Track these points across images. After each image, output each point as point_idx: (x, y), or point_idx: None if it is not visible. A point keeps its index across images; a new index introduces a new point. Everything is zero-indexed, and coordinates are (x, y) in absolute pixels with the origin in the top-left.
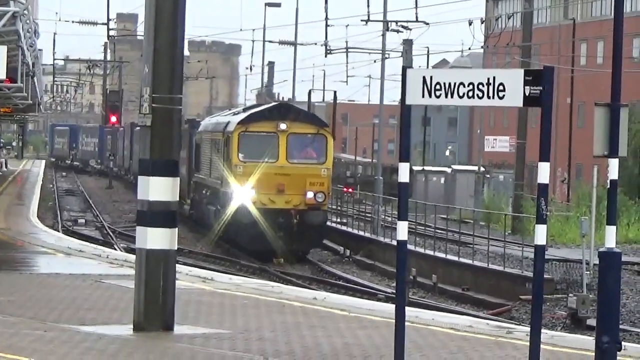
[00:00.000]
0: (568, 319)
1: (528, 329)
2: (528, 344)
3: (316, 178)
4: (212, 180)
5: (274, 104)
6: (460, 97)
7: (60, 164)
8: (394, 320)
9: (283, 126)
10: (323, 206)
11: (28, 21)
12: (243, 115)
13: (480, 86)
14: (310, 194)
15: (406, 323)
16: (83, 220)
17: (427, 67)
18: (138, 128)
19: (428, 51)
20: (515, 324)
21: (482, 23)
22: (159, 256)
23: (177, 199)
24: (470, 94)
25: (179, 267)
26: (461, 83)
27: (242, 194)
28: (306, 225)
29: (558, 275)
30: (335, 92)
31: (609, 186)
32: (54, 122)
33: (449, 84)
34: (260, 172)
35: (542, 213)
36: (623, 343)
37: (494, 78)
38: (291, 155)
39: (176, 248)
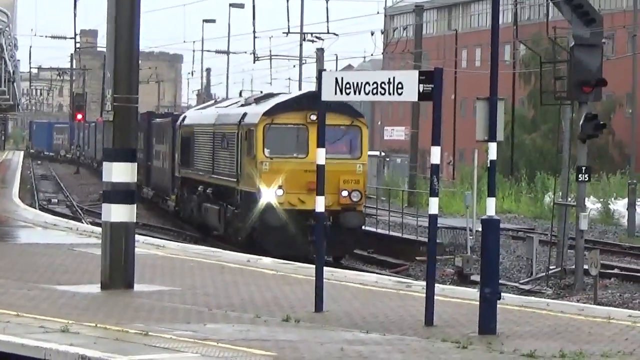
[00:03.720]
0: (455, 275)
1: (424, 283)
2: (424, 295)
3: (351, 175)
4: (218, 178)
5: (302, 92)
6: (367, 94)
7: (41, 155)
8: (314, 278)
9: (313, 117)
10: (359, 206)
11: (9, 36)
12: (267, 106)
13: (383, 85)
14: (345, 193)
15: (324, 280)
16: (56, 200)
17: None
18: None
19: (337, 58)
20: (413, 280)
21: (382, 34)
22: (120, 227)
23: (135, 180)
24: (375, 91)
25: (137, 237)
26: (367, 82)
27: (269, 194)
28: (341, 228)
29: (446, 240)
30: (261, 91)
31: (489, 165)
32: (31, 120)
33: (357, 83)
34: (288, 169)
35: (434, 188)
36: (501, 293)
37: (394, 78)
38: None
39: (135, 221)
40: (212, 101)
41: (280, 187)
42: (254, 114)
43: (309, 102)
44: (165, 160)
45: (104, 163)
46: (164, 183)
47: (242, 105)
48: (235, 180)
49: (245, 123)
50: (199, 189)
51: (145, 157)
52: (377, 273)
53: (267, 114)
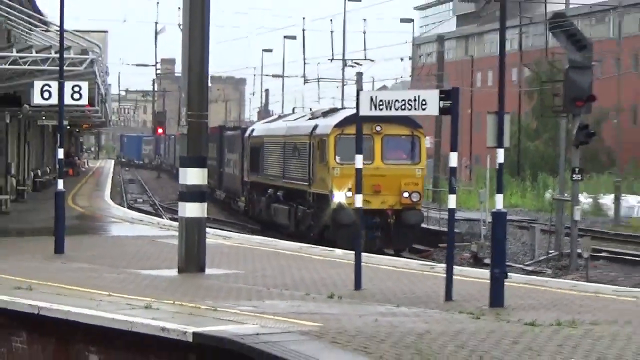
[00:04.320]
0: (471, 259)
1: (444, 265)
2: (444, 275)
3: (411, 178)
4: (289, 182)
5: None
6: (396, 109)
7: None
8: (354, 262)
9: (378, 128)
10: (418, 205)
11: (101, 64)
12: (337, 119)
13: (410, 102)
14: (405, 194)
15: (362, 264)
16: (141, 200)
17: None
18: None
19: (373, 80)
20: (436, 264)
21: (410, 59)
22: (194, 222)
23: (206, 183)
24: (403, 107)
25: (207, 229)
26: (396, 100)
27: (340, 196)
28: (402, 224)
29: (464, 229)
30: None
31: (497, 167)
32: (122, 133)
33: (389, 100)
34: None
35: (453, 186)
36: (508, 273)
37: (419, 96)
38: (386, 157)
39: (205, 216)
40: (276, 116)
41: (349, 189)
42: (324, 125)
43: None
44: (236, 167)
45: (180, 169)
46: (235, 187)
47: (310, 119)
48: (307, 184)
49: (317, 134)
50: (269, 191)
51: (218, 165)
52: (406, 257)
53: (338, 125)
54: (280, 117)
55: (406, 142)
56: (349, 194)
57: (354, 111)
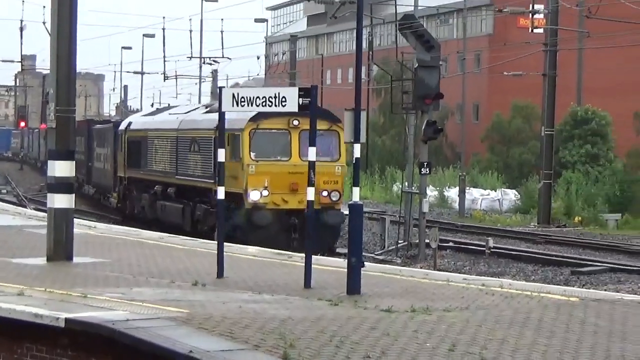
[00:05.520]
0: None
1: (302, 255)
2: (303, 264)
3: (330, 176)
4: (186, 179)
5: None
6: (257, 106)
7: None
8: (216, 251)
9: (296, 122)
10: (338, 205)
11: None
12: (251, 113)
13: (270, 99)
14: (324, 193)
15: (224, 253)
16: (5, 191)
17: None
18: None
19: (227, 77)
20: (293, 253)
21: (265, 58)
22: (62, 212)
23: (74, 175)
24: (264, 103)
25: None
26: (257, 97)
27: (256, 195)
28: (322, 225)
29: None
30: (169, 104)
31: (354, 162)
32: None
33: (250, 97)
34: (273, 172)
35: (312, 180)
36: (364, 262)
37: (279, 93)
38: (304, 153)
39: (73, 207)
40: (154, 109)
41: (265, 187)
42: (235, 119)
43: None
44: (107, 161)
45: (49, 161)
46: (106, 182)
47: (208, 112)
48: (212, 181)
49: (228, 129)
50: (155, 188)
51: (87, 159)
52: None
53: (252, 120)
54: (159, 110)
55: (325, 138)
56: (265, 192)
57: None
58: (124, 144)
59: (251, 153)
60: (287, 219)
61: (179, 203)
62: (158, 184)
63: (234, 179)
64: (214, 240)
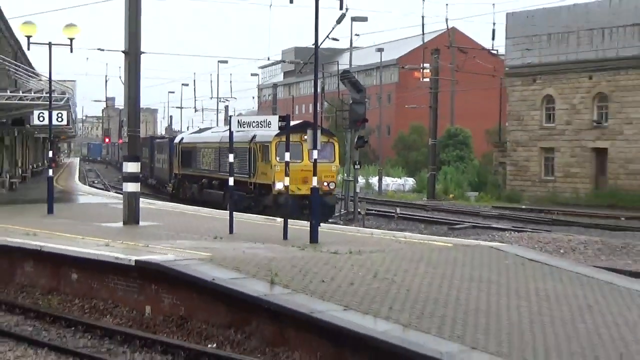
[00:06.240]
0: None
1: (281, 219)
2: (282, 224)
3: (328, 172)
4: (227, 174)
5: (299, 122)
6: (253, 127)
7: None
8: (228, 217)
9: (305, 137)
10: (333, 191)
11: (73, 100)
12: (276, 131)
13: (261, 122)
14: (325, 183)
15: (234, 218)
16: (97, 182)
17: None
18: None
19: (234, 110)
20: (276, 218)
21: (258, 98)
22: (132, 195)
23: (139, 171)
24: (256, 125)
25: (141, 199)
26: (253, 122)
27: (280, 185)
28: (323, 204)
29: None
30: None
31: (312, 162)
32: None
33: (248, 122)
34: (291, 170)
35: (288, 173)
36: (320, 223)
37: (266, 119)
38: (311, 157)
39: (139, 191)
40: (197, 129)
41: (286, 180)
42: (265, 135)
43: (302, 127)
44: (164, 163)
45: (123, 162)
46: (163, 176)
47: (239, 131)
48: (247, 176)
49: (259, 141)
50: (202, 181)
51: (150, 161)
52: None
53: (277, 135)
54: (201, 130)
55: (325, 147)
56: (286, 183)
57: (292, 124)
58: (179, 151)
59: (276, 157)
60: (301, 200)
61: (220, 190)
62: (205, 178)
63: (265, 175)
64: (246, 213)
